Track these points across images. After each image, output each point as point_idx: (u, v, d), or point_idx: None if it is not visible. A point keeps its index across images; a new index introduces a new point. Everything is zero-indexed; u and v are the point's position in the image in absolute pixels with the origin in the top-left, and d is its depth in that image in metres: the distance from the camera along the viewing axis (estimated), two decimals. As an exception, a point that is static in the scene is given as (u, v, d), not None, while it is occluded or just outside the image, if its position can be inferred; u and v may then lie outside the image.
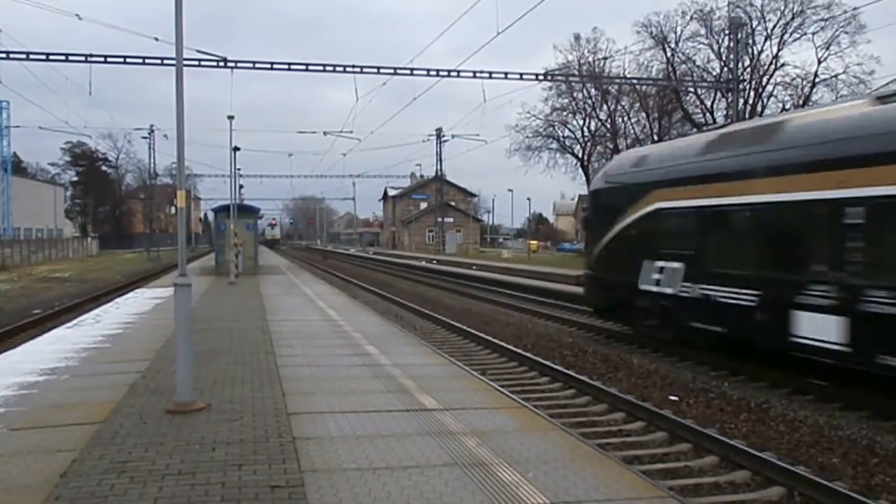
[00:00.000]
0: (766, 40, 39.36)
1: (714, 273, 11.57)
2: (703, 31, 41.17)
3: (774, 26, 38.85)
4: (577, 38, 47.98)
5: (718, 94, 40.41)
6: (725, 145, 11.81)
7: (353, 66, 28.75)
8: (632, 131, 48.37)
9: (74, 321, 14.80)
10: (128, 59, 27.43)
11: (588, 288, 15.99)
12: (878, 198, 8.80)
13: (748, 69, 38.92)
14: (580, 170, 53.14)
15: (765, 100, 40.08)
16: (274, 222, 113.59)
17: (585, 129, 50.86)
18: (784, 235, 10.52)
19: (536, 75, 32.76)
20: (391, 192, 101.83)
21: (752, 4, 39.03)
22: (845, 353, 9.25)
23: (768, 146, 10.76)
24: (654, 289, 12.93)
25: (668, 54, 42.78)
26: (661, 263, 12.82)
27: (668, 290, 12.54)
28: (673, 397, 10.35)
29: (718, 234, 11.81)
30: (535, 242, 73.91)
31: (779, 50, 39.13)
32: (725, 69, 39.17)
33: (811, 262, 9.95)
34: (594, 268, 15.56)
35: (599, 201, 15.74)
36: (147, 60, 27.31)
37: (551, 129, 51.27)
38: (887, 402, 9.12)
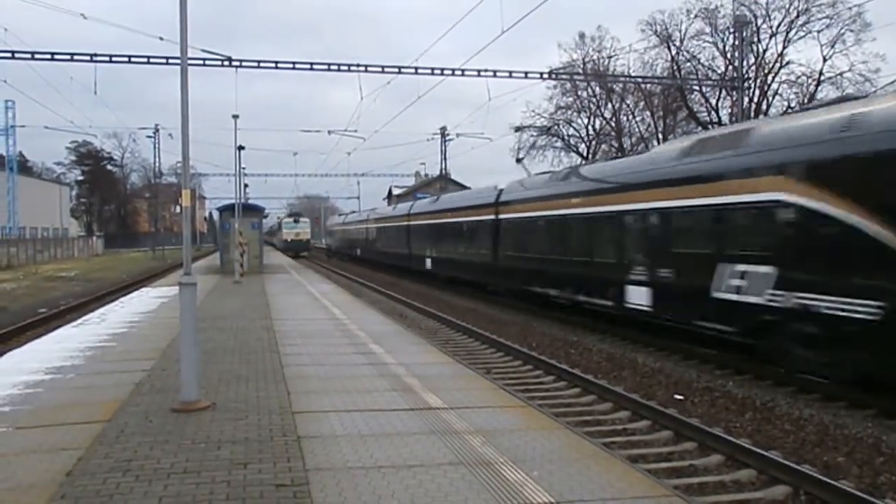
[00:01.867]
0: (771, 38, 39.04)
1: (337, 242, 68.83)
2: (707, 30, 40.87)
3: (779, 24, 38.58)
4: (582, 36, 47.74)
5: (723, 93, 40.23)
6: (350, 223, 62.88)
7: (358, 66, 28.55)
8: (636, 130, 48.10)
9: (80, 320, 14.85)
10: (133, 59, 27.33)
11: (328, 249, 76.41)
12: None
13: (753, 67, 38.67)
14: (585, 168, 52.72)
15: (770, 98, 39.84)
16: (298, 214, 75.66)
17: (590, 127, 50.48)
18: (349, 236, 60.98)
19: (541, 74, 32.45)
20: (396, 191, 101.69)
21: (756, 2, 38.69)
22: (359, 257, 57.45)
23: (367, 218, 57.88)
24: (328, 242, 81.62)
25: (673, 53, 42.50)
26: (329, 241, 79.40)
27: (330, 243, 76.99)
28: (678, 396, 10.36)
29: (341, 236, 65.29)
30: None
31: (784, 48, 38.82)
32: (730, 67, 38.95)
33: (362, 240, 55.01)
34: (329, 243, 79.99)
35: (326, 228, 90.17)
36: (152, 60, 27.22)
37: (556, 127, 51.04)
38: (893, 401, 9.10)
